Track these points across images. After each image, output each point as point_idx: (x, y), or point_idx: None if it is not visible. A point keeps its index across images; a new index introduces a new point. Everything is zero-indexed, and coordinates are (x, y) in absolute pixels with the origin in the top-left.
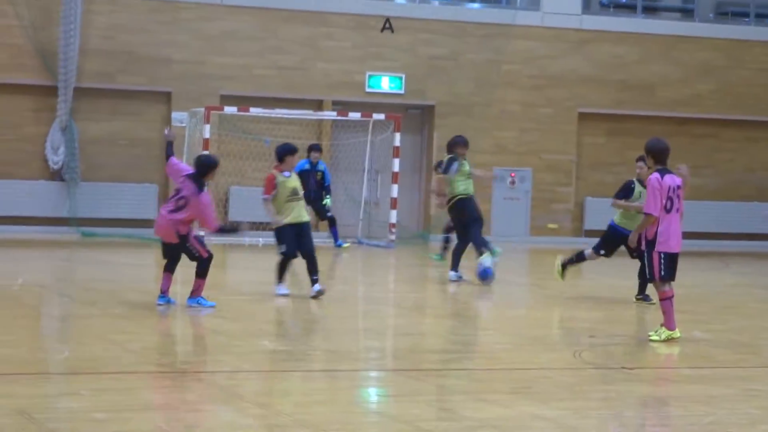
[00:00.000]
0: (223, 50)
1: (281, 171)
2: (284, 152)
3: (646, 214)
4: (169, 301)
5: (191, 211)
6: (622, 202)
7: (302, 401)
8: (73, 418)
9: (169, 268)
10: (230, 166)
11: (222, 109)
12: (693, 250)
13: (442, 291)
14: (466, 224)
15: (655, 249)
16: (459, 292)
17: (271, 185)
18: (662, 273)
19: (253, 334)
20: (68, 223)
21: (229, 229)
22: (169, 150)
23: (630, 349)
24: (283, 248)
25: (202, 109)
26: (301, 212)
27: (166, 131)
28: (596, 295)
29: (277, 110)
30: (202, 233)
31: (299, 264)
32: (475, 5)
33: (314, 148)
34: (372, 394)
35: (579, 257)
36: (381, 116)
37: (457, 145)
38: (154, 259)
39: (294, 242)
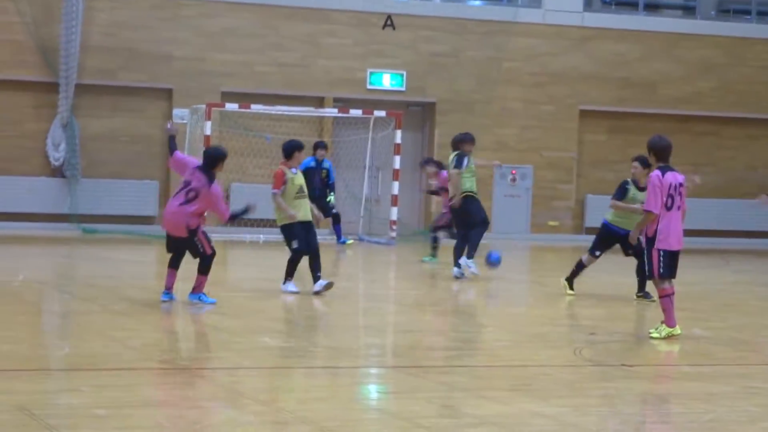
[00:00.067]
0: (224, 47)
1: (289, 167)
2: (292, 148)
3: (646, 211)
4: (171, 298)
5: (202, 202)
6: (621, 204)
7: (303, 398)
8: (74, 414)
9: (174, 264)
10: (231, 163)
11: (223, 106)
12: (693, 247)
13: (443, 288)
14: (470, 223)
15: (655, 246)
16: (459, 289)
17: (280, 180)
18: (661, 270)
19: (254, 331)
20: (69, 219)
21: (240, 212)
22: (172, 144)
23: (630, 347)
24: (296, 244)
25: (203, 106)
26: (307, 210)
27: (168, 125)
28: (597, 293)
29: (278, 107)
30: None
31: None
32: (477, 2)
33: (320, 145)
34: (372, 391)
35: (579, 267)
36: (382, 113)
37: (464, 142)
38: (155, 255)
39: (305, 239)
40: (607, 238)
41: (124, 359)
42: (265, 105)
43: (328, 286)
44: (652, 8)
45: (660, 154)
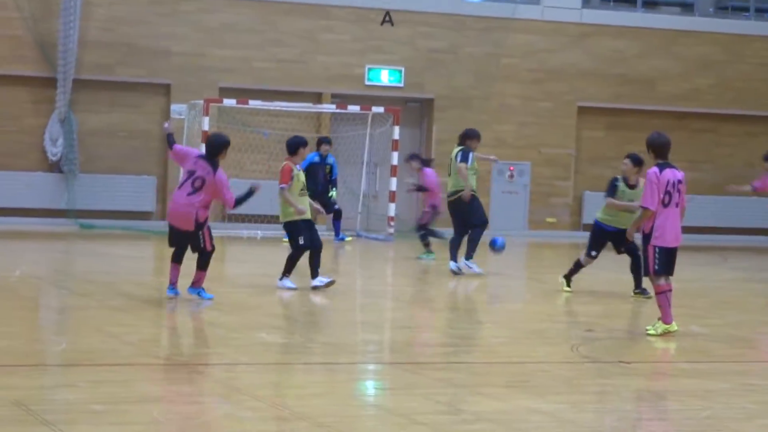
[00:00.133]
0: (223, 42)
1: (295, 164)
2: (297, 144)
3: (642, 207)
4: (177, 293)
5: (208, 191)
6: (618, 202)
7: (300, 394)
8: (71, 409)
9: (177, 259)
10: (229, 159)
11: (221, 102)
12: (691, 244)
13: (440, 284)
14: (467, 221)
15: (650, 243)
16: (457, 285)
17: (288, 175)
18: (656, 267)
19: (252, 327)
20: (66, 214)
21: (245, 196)
22: (170, 140)
23: (627, 343)
24: (301, 241)
25: (201, 102)
26: (308, 207)
27: (165, 125)
28: (594, 290)
29: (277, 103)
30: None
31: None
32: None
33: (324, 140)
34: (370, 387)
35: (576, 266)
36: (380, 109)
37: (472, 138)
38: (153, 251)
39: (309, 236)
40: (600, 236)
41: (121, 355)
42: (264, 101)
43: (330, 283)
44: (650, 5)
45: (659, 151)
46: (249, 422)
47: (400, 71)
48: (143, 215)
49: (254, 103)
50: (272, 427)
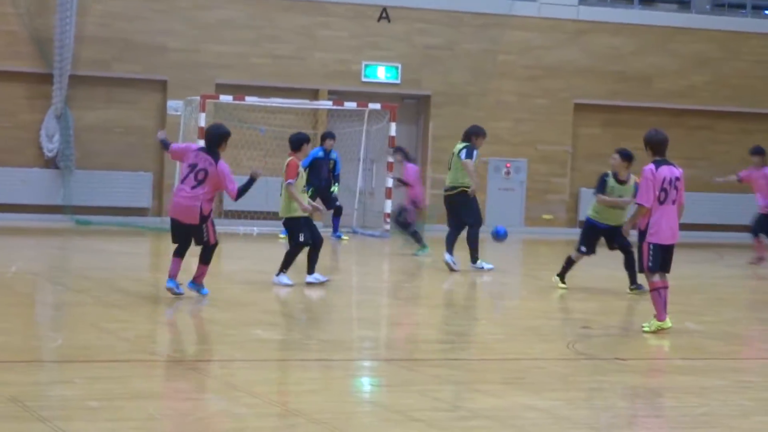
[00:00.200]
0: (219, 39)
1: (299, 160)
2: (300, 141)
3: (638, 204)
4: (177, 287)
5: (212, 182)
6: (608, 198)
7: (296, 390)
8: (66, 406)
9: (180, 254)
10: (225, 155)
11: (217, 98)
12: (687, 241)
13: (436, 281)
14: (462, 219)
15: (645, 240)
16: (453, 282)
17: (295, 171)
18: (650, 264)
19: (247, 324)
20: (62, 210)
21: (247, 186)
22: (165, 144)
23: (623, 340)
24: (303, 237)
25: (198, 98)
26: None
27: (159, 135)
28: (590, 286)
29: (273, 99)
30: None
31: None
32: None
33: (329, 135)
34: (366, 383)
35: (568, 263)
36: (377, 106)
37: (478, 136)
38: (149, 247)
39: (309, 232)
40: (591, 233)
41: (117, 351)
42: (260, 97)
43: (325, 282)
44: (647, 2)
45: (656, 147)
46: (245, 419)
47: (397, 68)
48: (140, 211)
49: (251, 100)
50: (268, 423)
